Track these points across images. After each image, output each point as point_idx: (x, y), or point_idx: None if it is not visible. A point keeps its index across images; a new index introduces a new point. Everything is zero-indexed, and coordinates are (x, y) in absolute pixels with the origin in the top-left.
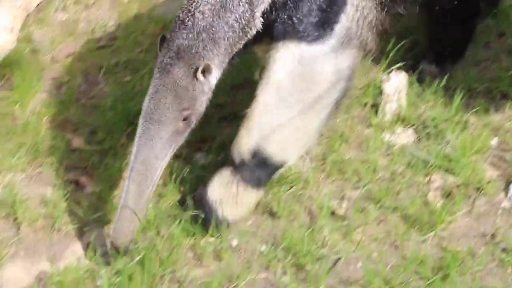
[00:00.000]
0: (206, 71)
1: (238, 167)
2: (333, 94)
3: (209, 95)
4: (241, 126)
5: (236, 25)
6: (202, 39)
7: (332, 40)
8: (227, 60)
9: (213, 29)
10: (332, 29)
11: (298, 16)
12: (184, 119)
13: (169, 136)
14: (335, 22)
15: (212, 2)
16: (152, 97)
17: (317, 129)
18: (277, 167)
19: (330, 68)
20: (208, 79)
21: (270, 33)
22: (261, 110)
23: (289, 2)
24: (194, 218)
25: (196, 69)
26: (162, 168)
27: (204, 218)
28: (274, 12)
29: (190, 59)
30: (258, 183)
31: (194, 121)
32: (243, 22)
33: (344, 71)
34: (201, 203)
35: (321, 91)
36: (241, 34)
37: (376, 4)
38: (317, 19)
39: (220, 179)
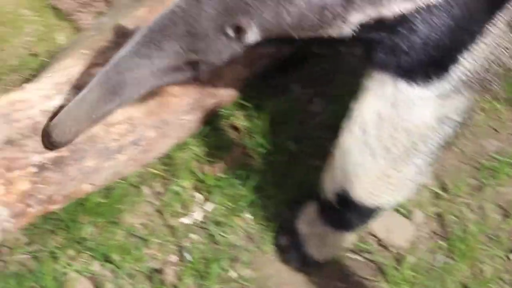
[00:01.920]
0: (240, 31)
1: (322, 206)
2: (432, 142)
3: (237, 51)
4: (327, 161)
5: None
6: None
7: (441, 85)
8: (278, 32)
9: None
10: (445, 71)
11: (407, 49)
12: (189, 63)
13: (162, 67)
14: (452, 63)
15: None
16: (166, 14)
17: (412, 177)
18: (368, 211)
19: (430, 116)
20: (241, 39)
21: (369, 52)
22: (343, 151)
23: (400, 29)
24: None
25: (230, 26)
26: (133, 95)
27: (292, 250)
28: (378, 32)
29: (230, 7)
30: (346, 226)
31: (201, 70)
32: (325, 11)
33: (452, 118)
34: (291, 233)
35: (415, 140)
36: (314, 20)
37: None
38: (429, 57)
39: (305, 214)
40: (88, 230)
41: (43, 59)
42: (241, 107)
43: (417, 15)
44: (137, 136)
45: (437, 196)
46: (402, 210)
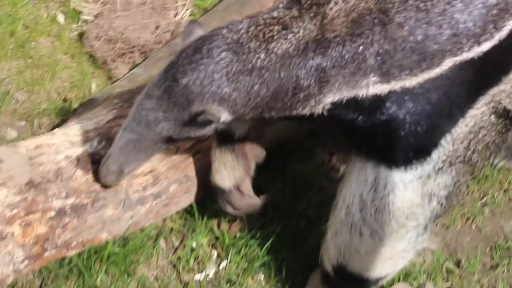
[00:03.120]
0: (212, 119)
1: (323, 279)
2: (420, 217)
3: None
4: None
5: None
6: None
7: (422, 167)
8: (252, 114)
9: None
10: (426, 154)
11: (383, 132)
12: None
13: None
14: (433, 147)
15: (290, 47)
16: (146, 93)
17: (406, 249)
18: (368, 282)
19: (413, 196)
20: (213, 123)
21: (348, 135)
22: (334, 229)
23: (375, 111)
24: None
25: (196, 114)
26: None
27: None
28: (355, 112)
29: (201, 93)
30: None
31: (175, 144)
32: (299, 93)
33: (438, 194)
34: None
35: (401, 219)
36: (286, 101)
37: (501, 123)
38: (408, 141)
39: (312, 281)
40: (101, 278)
41: (75, 105)
42: (264, 167)
43: (392, 99)
44: (159, 189)
45: (450, 271)
46: (414, 283)
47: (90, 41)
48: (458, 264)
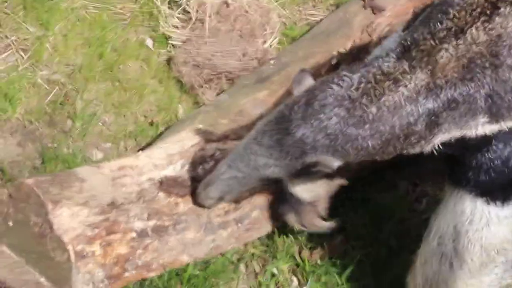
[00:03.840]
0: (322, 169)
1: None
2: (508, 255)
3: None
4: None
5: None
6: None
7: None
8: (362, 159)
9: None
10: None
11: (487, 169)
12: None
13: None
14: None
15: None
16: (255, 138)
17: (489, 284)
18: None
19: (506, 233)
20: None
21: (450, 168)
22: (424, 257)
23: (482, 149)
24: None
25: (309, 164)
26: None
27: None
28: (461, 150)
29: (314, 145)
30: None
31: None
32: (410, 137)
33: None
34: None
35: (492, 254)
36: (398, 145)
37: None
38: (509, 178)
39: None
40: None
41: (161, 128)
42: (347, 197)
43: (499, 137)
44: (241, 214)
45: None
46: None
47: (178, 66)
48: None
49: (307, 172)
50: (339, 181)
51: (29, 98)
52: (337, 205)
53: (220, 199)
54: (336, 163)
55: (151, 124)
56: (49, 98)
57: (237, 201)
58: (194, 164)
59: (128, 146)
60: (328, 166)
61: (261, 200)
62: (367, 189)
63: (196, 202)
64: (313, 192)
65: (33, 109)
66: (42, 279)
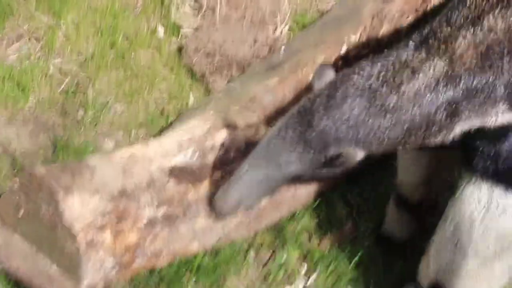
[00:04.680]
0: (346, 161)
1: None
2: None
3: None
4: (425, 251)
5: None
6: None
7: None
8: (385, 150)
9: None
10: None
11: (505, 157)
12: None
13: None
14: None
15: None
16: (278, 134)
17: (501, 274)
18: None
19: None
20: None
21: (468, 157)
22: (437, 246)
23: (501, 138)
24: None
25: (332, 157)
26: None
27: None
28: (481, 138)
29: (337, 137)
30: None
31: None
32: (431, 126)
33: None
34: None
35: (505, 244)
36: (419, 135)
37: None
38: None
39: None
40: None
41: (172, 116)
42: (357, 184)
43: None
44: None
45: None
46: None
47: (189, 54)
48: None
49: (330, 166)
50: None
51: (41, 87)
52: (346, 192)
53: (238, 206)
54: (359, 154)
55: (162, 113)
56: (61, 87)
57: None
58: (205, 151)
59: (140, 134)
60: (351, 158)
61: None
62: (378, 175)
63: (213, 211)
64: None
65: (45, 99)
66: (54, 268)
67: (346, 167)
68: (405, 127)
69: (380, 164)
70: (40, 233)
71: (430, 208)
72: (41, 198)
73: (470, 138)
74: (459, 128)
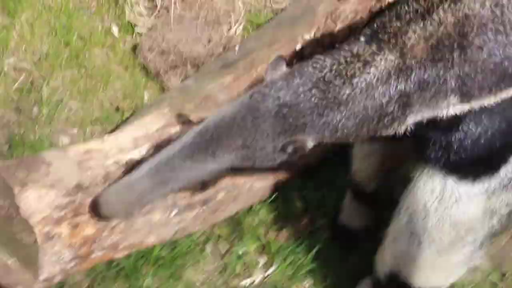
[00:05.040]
0: (298, 148)
1: (375, 285)
2: (479, 233)
3: (292, 159)
4: (381, 242)
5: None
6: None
7: (489, 182)
8: (336, 141)
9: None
10: (494, 170)
11: (457, 147)
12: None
13: (214, 170)
14: (502, 162)
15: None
16: (221, 123)
17: (460, 264)
18: None
19: (476, 210)
20: (297, 153)
21: (420, 147)
22: (392, 236)
23: (452, 128)
24: None
25: (284, 145)
26: (181, 188)
27: None
28: (433, 130)
29: (287, 128)
30: None
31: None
32: (383, 118)
33: (498, 213)
34: None
35: (461, 232)
36: (371, 127)
37: None
38: (479, 156)
39: None
40: (148, 282)
41: (127, 114)
42: (312, 178)
43: (470, 117)
44: (207, 197)
45: (494, 284)
46: None
47: (144, 53)
48: (503, 277)
49: (281, 154)
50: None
51: None
52: (302, 186)
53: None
54: (310, 143)
55: (117, 110)
56: (15, 85)
57: (203, 187)
58: (159, 147)
59: (94, 131)
60: (303, 146)
61: (226, 183)
62: (333, 170)
63: (95, 212)
64: None
65: (0, 97)
66: (11, 261)
67: (296, 156)
68: (357, 119)
69: (336, 158)
70: None
71: (386, 198)
72: None
73: (422, 129)
74: (411, 120)
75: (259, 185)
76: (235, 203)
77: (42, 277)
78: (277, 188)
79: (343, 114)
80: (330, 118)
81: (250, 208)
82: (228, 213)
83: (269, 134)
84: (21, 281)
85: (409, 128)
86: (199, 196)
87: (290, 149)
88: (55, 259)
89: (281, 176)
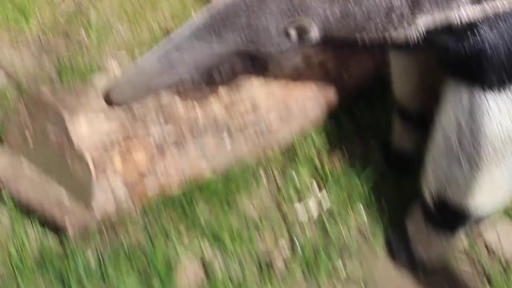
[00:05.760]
0: (302, 32)
1: (424, 212)
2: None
3: (296, 48)
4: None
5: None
6: None
7: None
8: (342, 34)
9: None
10: None
11: (476, 56)
12: (247, 53)
13: (220, 53)
14: None
15: None
16: (229, 5)
17: (501, 177)
18: (469, 215)
19: (508, 119)
20: (301, 38)
21: (442, 61)
22: (432, 156)
23: (468, 36)
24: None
25: (290, 25)
26: (189, 73)
27: (401, 248)
28: (449, 37)
29: (293, 7)
30: (447, 227)
31: (258, 62)
32: (391, 13)
33: None
34: (401, 231)
35: (498, 145)
36: (380, 21)
37: None
38: (500, 63)
39: (414, 214)
40: (203, 211)
41: None
42: (365, 100)
43: (486, 23)
44: (258, 117)
45: None
46: None
47: None
48: None
49: (282, 35)
50: None
51: (42, 10)
52: (354, 107)
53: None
54: (316, 30)
55: (164, 31)
56: (62, 9)
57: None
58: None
59: (142, 54)
60: (306, 30)
61: (277, 103)
62: (385, 92)
63: (107, 99)
64: None
65: (47, 21)
66: (64, 194)
67: (301, 44)
68: (363, 8)
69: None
70: (48, 157)
71: (432, 120)
72: (47, 119)
73: (439, 36)
74: (422, 21)
75: (310, 105)
76: (287, 126)
77: (94, 208)
78: (329, 109)
79: (351, 3)
80: (336, 2)
81: (303, 132)
82: (281, 137)
83: (273, 11)
84: (75, 214)
85: (421, 33)
86: (250, 116)
87: (293, 32)
88: (107, 186)
89: (332, 96)
